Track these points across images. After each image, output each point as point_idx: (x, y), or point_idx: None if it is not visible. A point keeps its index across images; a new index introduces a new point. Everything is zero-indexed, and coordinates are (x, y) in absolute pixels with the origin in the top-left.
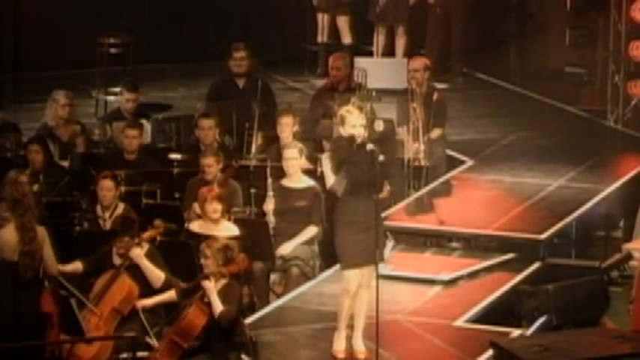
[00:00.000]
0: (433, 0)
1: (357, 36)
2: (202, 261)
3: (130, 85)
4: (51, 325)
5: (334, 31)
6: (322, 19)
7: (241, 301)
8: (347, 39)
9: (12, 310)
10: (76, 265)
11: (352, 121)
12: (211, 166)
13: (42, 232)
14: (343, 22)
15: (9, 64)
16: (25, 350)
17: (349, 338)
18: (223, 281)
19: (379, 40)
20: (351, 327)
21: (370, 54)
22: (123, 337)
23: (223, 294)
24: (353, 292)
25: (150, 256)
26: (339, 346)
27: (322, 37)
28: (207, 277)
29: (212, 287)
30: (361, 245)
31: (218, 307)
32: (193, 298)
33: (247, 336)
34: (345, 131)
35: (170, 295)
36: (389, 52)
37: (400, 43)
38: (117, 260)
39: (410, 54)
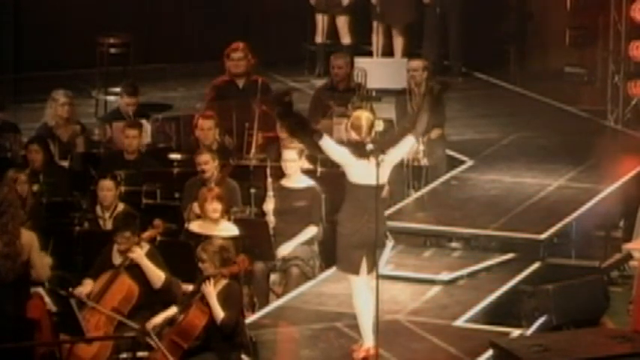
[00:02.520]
0: (429, 0)
1: (355, 37)
2: (200, 264)
3: (131, 89)
4: (39, 330)
5: (333, 31)
6: (321, 19)
7: (242, 303)
8: (346, 39)
9: None
10: (90, 284)
11: None
12: (207, 162)
13: (29, 236)
14: (343, 22)
15: (9, 64)
16: (15, 351)
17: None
18: (223, 282)
19: (378, 39)
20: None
21: (370, 54)
22: (123, 337)
23: (224, 296)
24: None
25: (150, 256)
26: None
27: (321, 38)
28: (208, 279)
29: (212, 292)
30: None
31: (220, 314)
32: (194, 298)
33: (247, 336)
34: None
35: (173, 310)
36: (388, 51)
37: (398, 42)
38: (117, 260)
39: (409, 54)
